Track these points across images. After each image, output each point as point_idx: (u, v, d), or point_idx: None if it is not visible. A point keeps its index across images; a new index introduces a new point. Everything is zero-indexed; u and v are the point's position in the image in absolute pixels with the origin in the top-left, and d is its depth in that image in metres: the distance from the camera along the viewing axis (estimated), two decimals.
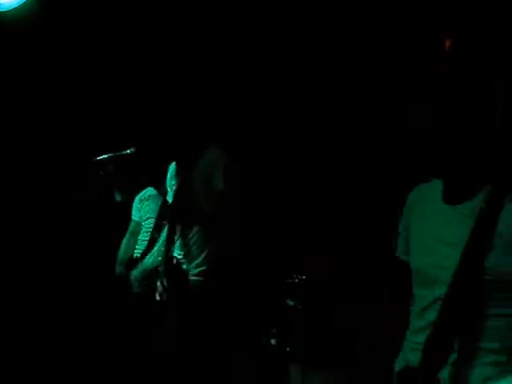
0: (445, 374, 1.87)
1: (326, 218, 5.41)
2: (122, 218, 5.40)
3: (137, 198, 5.29)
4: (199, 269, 3.86)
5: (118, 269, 5.16)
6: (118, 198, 5.35)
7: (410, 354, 2.06)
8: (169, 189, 4.20)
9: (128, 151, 4.99)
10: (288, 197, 5.35)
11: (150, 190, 5.25)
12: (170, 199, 4.20)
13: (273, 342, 5.21)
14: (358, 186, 5.35)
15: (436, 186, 2.05)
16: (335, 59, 5.17)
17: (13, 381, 4.94)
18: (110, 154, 4.88)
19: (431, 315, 1.95)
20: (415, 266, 2.11)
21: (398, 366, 2.11)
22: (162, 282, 3.79)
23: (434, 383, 1.86)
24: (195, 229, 3.86)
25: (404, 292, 2.25)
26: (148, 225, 5.11)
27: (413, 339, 2.08)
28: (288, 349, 4.77)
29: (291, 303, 4.85)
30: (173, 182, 4.10)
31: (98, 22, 5.24)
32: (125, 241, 5.26)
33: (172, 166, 4.21)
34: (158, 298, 3.83)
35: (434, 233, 2.01)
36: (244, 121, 5.33)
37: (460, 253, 1.87)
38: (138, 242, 5.18)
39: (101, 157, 4.88)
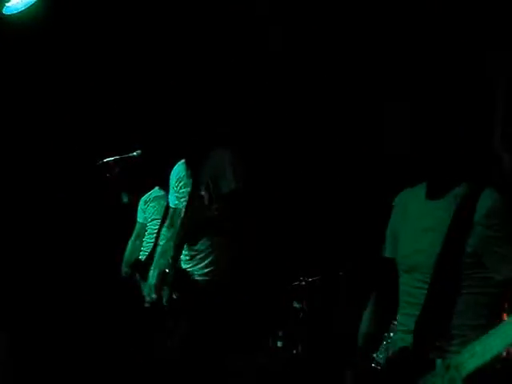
0: (435, 354, 1.98)
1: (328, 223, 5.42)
2: (128, 219, 5.41)
3: (142, 200, 5.30)
4: (207, 269, 3.86)
5: (125, 270, 5.17)
6: (125, 199, 5.36)
7: (398, 341, 2.18)
8: (172, 189, 4.21)
9: (134, 153, 4.99)
10: (293, 200, 5.35)
11: (155, 192, 5.26)
12: (171, 200, 4.22)
13: (279, 344, 5.21)
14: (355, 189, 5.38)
15: (421, 189, 2.21)
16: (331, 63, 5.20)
17: (14, 380, 4.96)
18: (116, 157, 4.88)
19: (416, 299, 2.08)
20: (400, 256, 2.24)
21: (384, 354, 2.23)
22: (170, 288, 3.79)
23: (426, 363, 1.97)
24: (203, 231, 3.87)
25: (389, 290, 2.34)
26: (153, 226, 5.12)
27: (401, 323, 2.19)
28: (294, 351, 4.77)
29: (297, 306, 4.85)
30: (180, 184, 4.10)
31: (105, 25, 5.24)
32: (130, 243, 5.27)
33: (178, 167, 4.21)
34: (164, 303, 3.82)
35: (415, 224, 2.17)
36: (246, 120, 5.34)
37: (437, 237, 2.05)
38: (144, 244, 5.19)
39: (107, 159, 4.89)
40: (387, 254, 2.36)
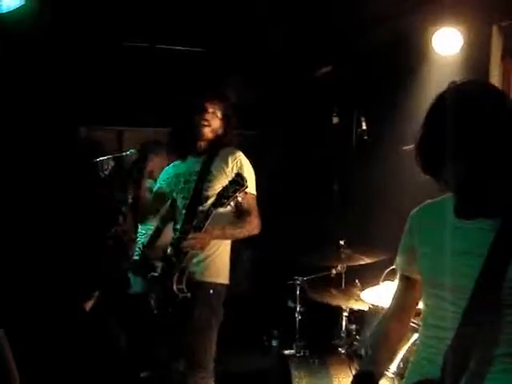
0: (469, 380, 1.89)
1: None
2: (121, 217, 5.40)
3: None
4: (208, 270, 3.87)
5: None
6: (119, 197, 5.35)
7: (424, 362, 2.08)
8: (158, 182, 4.23)
9: (128, 152, 4.97)
10: (289, 198, 5.35)
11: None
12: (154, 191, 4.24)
13: (274, 343, 5.20)
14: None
15: (443, 204, 2.08)
16: None
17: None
18: (109, 156, 4.86)
19: (448, 323, 1.97)
20: (429, 278, 2.12)
21: (411, 378, 2.11)
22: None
23: None
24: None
25: (404, 305, 2.29)
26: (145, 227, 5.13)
27: (429, 345, 2.09)
28: (289, 350, 4.77)
29: (292, 305, 4.84)
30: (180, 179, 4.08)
31: (99, 23, 5.21)
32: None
33: (176, 163, 4.20)
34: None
35: (446, 245, 2.03)
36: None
37: (476, 261, 1.91)
38: (140, 241, 5.19)
39: (101, 158, 4.87)
40: (403, 271, 2.28)
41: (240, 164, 3.92)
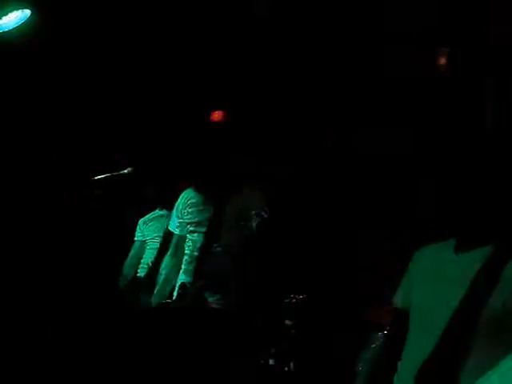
0: None
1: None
2: (119, 236, 5.41)
3: (141, 221, 5.34)
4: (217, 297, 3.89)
5: (123, 284, 5.16)
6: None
7: None
8: (177, 217, 4.21)
9: (125, 171, 5.00)
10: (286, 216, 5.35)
11: (156, 212, 5.30)
12: (174, 227, 4.23)
13: (271, 361, 5.19)
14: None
15: (446, 245, 2.14)
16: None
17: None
18: (107, 174, 4.88)
19: (422, 349, 1.99)
20: (413, 305, 2.17)
21: None
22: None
23: None
24: None
25: (396, 339, 2.31)
26: (154, 242, 5.15)
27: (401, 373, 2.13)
28: (286, 368, 4.75)
29: (289, 323, 4.83)
30: (189, 210, 4.09)
31: (95, 42, 5.25)
32: (128, 263, 5.27)
33: (188, 193, 4.21)
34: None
35: (440, 275, 2.09)
36: None
37: (458, 288, 1.96)
38: (144, 259, 5.20)
39: (98, 176, 4.89)
40: (398, 304, 2.33)
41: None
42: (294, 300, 4.79)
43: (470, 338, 1.90)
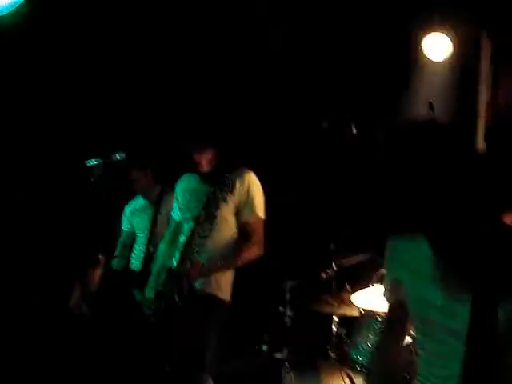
0: None
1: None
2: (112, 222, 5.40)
3: (126, 209, 5.31)
4: (209, 283, 3.89)
5: (114, 277, 5.14)
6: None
7: None
8: (177, 202, 4.20)
9: (118, 156, 4.96)
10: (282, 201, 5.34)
11: (139, 201, 5.27)
12: (175, 213, 4.21)
13: (264, 348, 5.19)
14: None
15: (418, 247, 2.04)
16: None
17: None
18: (99, 160, 4.85)
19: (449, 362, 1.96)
20: (419, 316, 2.11)
21: None
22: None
23: None
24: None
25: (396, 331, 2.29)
26: (143, 236, 5.13)
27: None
28: (279, 355, 4.76)
29: (282, 310, 4.83)
30: (190, 197, 4.08)
31: (91, 27, 5.21)
32: (117, 253, 5.25)
33: (186, 179, 4.20)
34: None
35: (427, 285, 2.01)
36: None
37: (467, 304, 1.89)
38: (135, 253, 5.18)
39: (91, 162, 4.86)
40: (390, 299, 2.27)
41: (248, 186, 3.91)
42: (289, 286, 4.79)
43: (496, 342, 1.86)
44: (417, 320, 2.13)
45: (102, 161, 4.80)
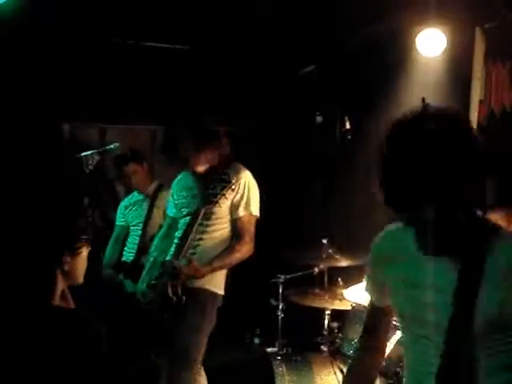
0: None
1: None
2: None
3: (122, 205, 5.32)
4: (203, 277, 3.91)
5: (107, 272, 5.14)
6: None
7: None
8: (172, 200, 4.21)
9: (112, 146, 4.96)
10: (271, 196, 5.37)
11: (135, 196, 5.28)
12: (170, 209, 4.23)
13: (256, 341, 5.22)
14: None
15: (404, 234, 2.02)
16: None
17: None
18: (94, 151, 4.85)
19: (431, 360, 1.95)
20: (405, 315, 2.10)
21: None
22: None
23: None
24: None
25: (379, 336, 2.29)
26: (137, 229, 5.15)
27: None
28: (271, 348, 4.78)
29: (274, 303, 4.86)
30: (185, 194, 4.09)
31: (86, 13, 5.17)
32: (110, 245, 5.26)
33: (182, 177, 4.20)
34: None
35: (420, 282, 1.99)
36: None
37: (449, 299, 1.88)
38: (128, 246, 5.19)
39: (85, 153, 4.86)
40: (375, 302, 2.25)
41: (245, 183, 3.92)
42: (281, 280, 4.81)
43: (474, 345, 1.87)
44: (403, 318, 2.12)
45: (96, 151, 4.81)
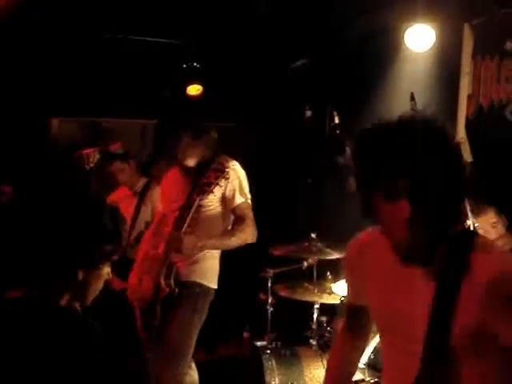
0: None
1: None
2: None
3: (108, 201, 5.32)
4: (195, 270, 3.91)
5: None
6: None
7: None
8: (162, 196, 4.23)
9: (112, 145, 4.98)
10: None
11: (123, 192, 5.28)
12: (161, 206, 4.24)
13: (245, 335, 5.23)
14: None
15: (380, 241, 1.99)
16: None
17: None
18: (94, 148, 4.85)
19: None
20: (381, 321, 2.11)
21: None
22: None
23: None
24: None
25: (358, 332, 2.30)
26: (125, 226, 5.14)
27: None
28: (260, 342, 4.79)
29: (263, 297, 4.86)
30: (174, 189, 4.10)
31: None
32: None
33: (171, 172, 4.21)
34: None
35: (395, 290, 1.99)
36: None
37: (425, 309, 1.87)
38: None
39: (87, 150, 4.86)
40: (353, 301, 2.26)
41: (236, 173, 3.92)
42: (269, 274, 4.82)
43: (449, 356, 1.86)
44: (377, 323, 2.14)
45: (97, 149, 4.81)
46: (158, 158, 4.75)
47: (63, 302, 2.02)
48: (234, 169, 3.90)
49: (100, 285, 2.11)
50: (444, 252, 1.87)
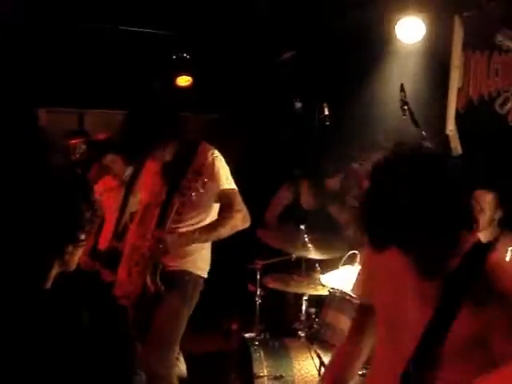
0: None
1: None
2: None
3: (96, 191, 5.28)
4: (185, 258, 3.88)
5: (83, 259, 5.11)
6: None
7: None
8: (145, 188, 4.20)
9: (100, 136, 4.95)
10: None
11: (111, 182, 5.25)
12: (144, 198, 4.22)
13: (234, 326, 5.23)
14: None
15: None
16: None
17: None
18: (82, 138, 4.82)
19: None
20: (385, 324, 2.15)
21: None
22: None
23: None
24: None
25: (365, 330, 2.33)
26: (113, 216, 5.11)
27: None
28: (249, 334, 4.79)
29: (253, 289, 4.86)
30: (154, 181, 4.06)
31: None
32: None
33: (152, 164, 4.17)
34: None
35: (401, 298, 2.03)
36: None
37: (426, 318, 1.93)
38: (103, 232, 5.16)
39: (74, 140, 4.82)
40: (362, 296, 2.33)
41: (214, 160, 3.87)
42: (259, 265, 4.81)
43: (440, 363, 1.91)
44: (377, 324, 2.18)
45: (85, 139, 4.78)
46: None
47: (53, 272, 2.08)
48: (213, 159, 3.85)
49: (80, 254, 2.22)
50: (456, 267, 1.92)
